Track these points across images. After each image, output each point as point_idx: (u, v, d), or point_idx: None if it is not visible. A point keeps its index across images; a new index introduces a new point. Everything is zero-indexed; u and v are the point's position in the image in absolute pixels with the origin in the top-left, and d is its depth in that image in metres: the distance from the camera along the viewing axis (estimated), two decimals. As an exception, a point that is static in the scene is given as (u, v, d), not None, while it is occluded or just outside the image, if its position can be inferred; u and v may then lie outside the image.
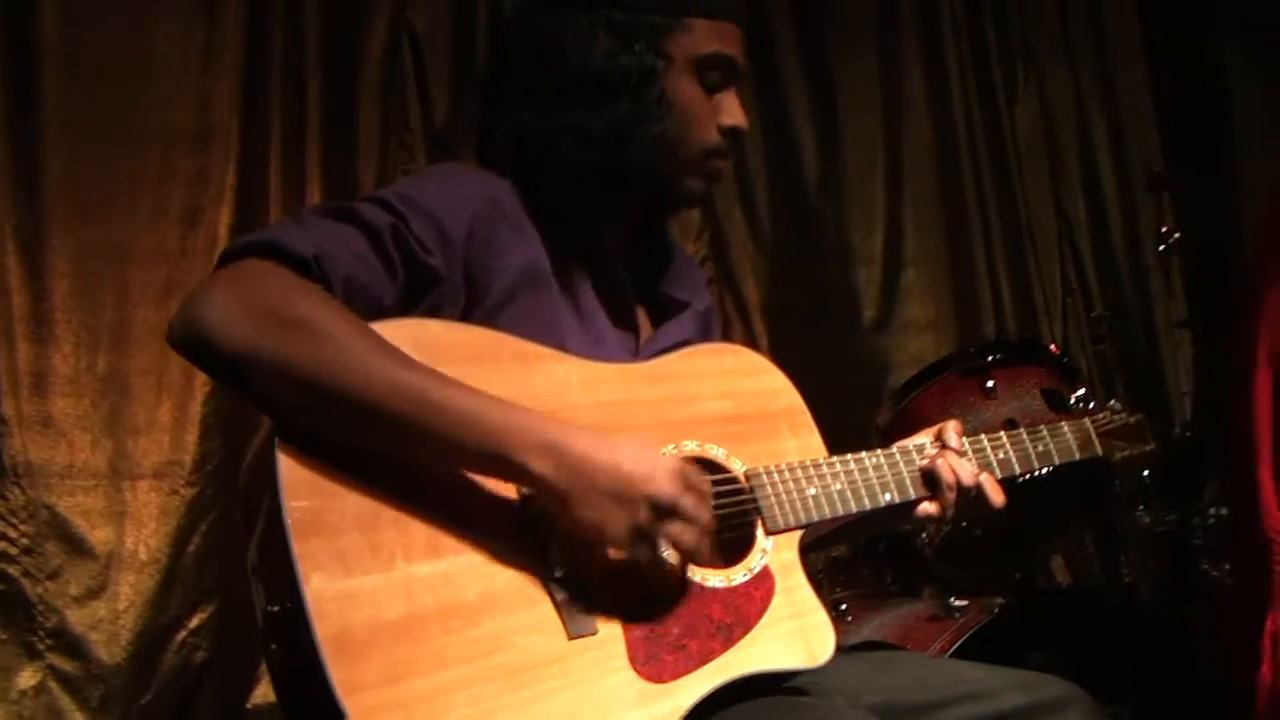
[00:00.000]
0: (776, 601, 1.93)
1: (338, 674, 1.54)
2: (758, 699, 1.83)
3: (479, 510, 1.74)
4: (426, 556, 1.67)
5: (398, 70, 4.53)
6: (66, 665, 3.85)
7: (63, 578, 3.88)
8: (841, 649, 1.96)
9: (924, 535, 3.31)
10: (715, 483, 1.94)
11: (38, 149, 4.04)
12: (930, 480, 2.19)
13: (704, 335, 2.32)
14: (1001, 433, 2.37)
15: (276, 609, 1.64)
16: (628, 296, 2.18)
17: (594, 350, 2.01)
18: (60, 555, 3.89)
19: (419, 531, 1.69)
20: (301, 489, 1.63)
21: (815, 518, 2.04)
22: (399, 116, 4.52)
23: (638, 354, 2.14)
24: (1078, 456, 2.50)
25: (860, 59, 5.19)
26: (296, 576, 1.57)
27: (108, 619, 3.91)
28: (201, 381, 4.04)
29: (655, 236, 2.33)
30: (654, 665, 1.76)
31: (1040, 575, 4.46)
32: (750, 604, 1.90)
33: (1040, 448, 2.43)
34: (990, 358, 3.29)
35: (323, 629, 1.55)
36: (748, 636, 1.87)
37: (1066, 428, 2.52)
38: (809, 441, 2.14)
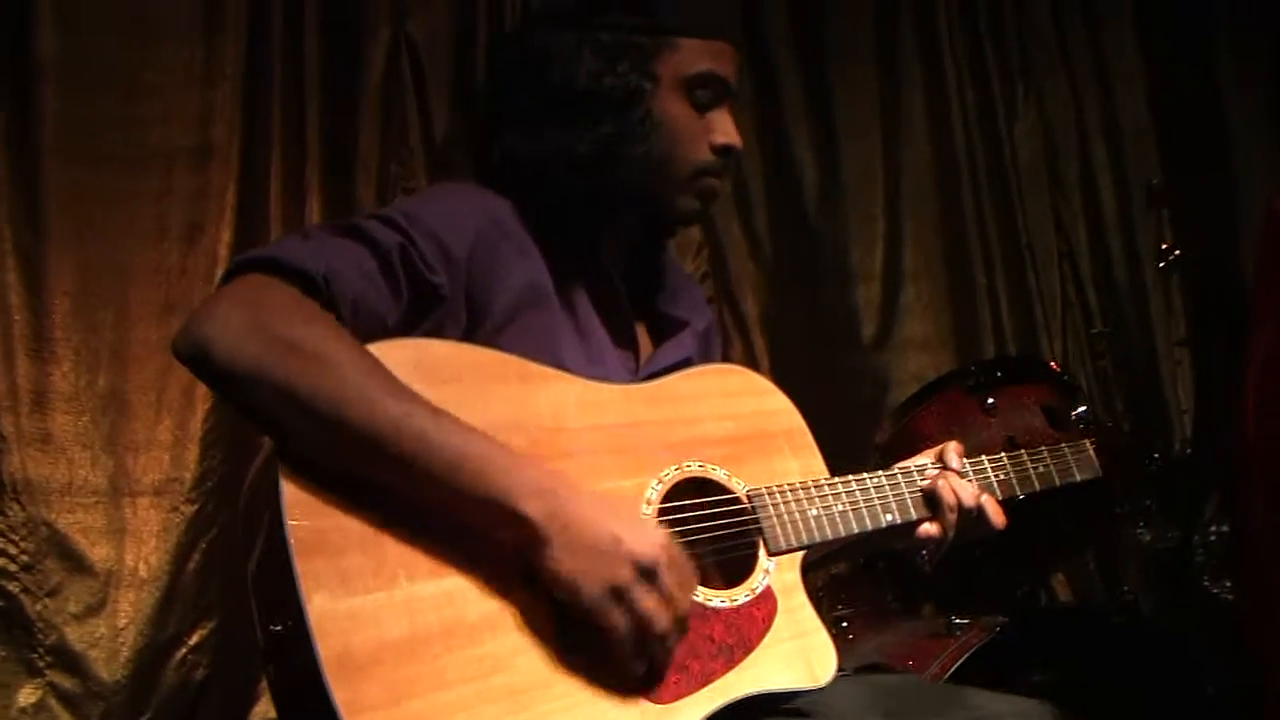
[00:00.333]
0: (778, 622, 1.93)
1: (340, 694, 1.54)
2: (759, 720, 1.83)
3: (482, 530, 1.74)
4: (429, 576, 1.67)
5: (397, 86, 4.52)
6: (66, 682, 3.84)
7: (62, 595, 3.87)
8: (844, 671, 1.96)
9: (924, 553, 3.30)
10: (718, 503, 1.94)
11: (38, 166, 4.03)
12: (931, 501, 2.20)
13: (705, 354, 2.32)
14: (1002, 454, 2.38)
15: (278, 628, 1.63)
16: (628, 315, 2.18)
17: (594, 369, 2.02)
18: (60, 572, 3.87)
19: (422, 551, 1.69)
20: (303, 508, 1.63)
21: (817, 538, 2.04)
22: (399, 132, 4.51)
23: (637, 372, 2.14)
24: (1078, 478, 2.51)
25: (858, 77, 5.18)
26: (299, 596, 1.57)
27: (107, 636, 3.89)
28: (202, 398, 4.03)
29: (654, 255, 2.33)
30: (656, 686, 1.76)
31: (1041, 593, 4.45)
32: (752, 625, 1.90)
33: (1041, 469, 2.44)
34: (991, 375, 3.29)
35: (325, 649, 1.55)
36: (749, 657, 1.87)
37: (1067, 449, 2.52)
38: (810, 462, 2.14)
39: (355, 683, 1.55)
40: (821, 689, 1.91)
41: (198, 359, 1.69)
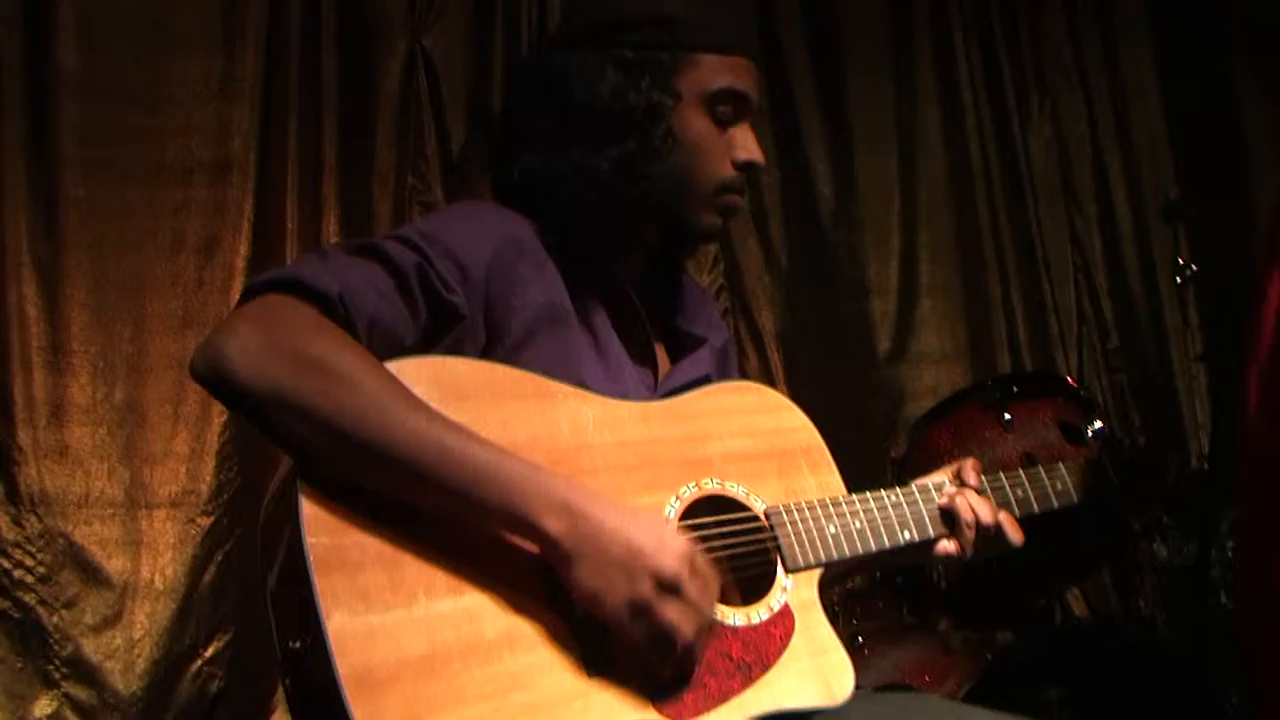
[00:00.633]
0: (796, 640, 1.92)
1: (359, 711, 1.54)
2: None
3: (500, 546, 1.74)
4: (448, 593, 1.67)
5: (414, 99, 4.54)
6: (82, 694, 3.85)
7: (79, 606, 3.89)
8: (861, 688, 1.95)
9: (939, 568, 3.30)
10: (736, 520, 1.94)
11: (56, 179, 4.06)
12: (949, 519, 2.19)
13: (722, 371, 2.32)
14: (1020, 470, 2.37)
15: (297, 645, 1.64)
16: (646, 332, 2.18)
17: (613, 387, 2.01)
18: (76, 584, 3.89)
19: (441, 568, 1.69)
20: (323, 525, 1.63)
21: (835, 556, 2.03)
22: (415, 145, 4.53)
23: (656, 389, 2.14)
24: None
25: (875, 91, 5.19)
26: (318, 613, 1.57)
27: (123, 648, 3.91)
28: (218, 411, 4.04)
29: (672, 272, 2.33)
30: (674, 704, 1.76)
31: (1057, 608, 4.44)
32: (770, 642, 1.90)
33: (1059, 485, 2.43)
34: (1008, 390, 3.28)
35: (344, 666, 1.56)
36: (767, 675, 1.86)
37: (1085, 466, 2.52)
38: (828, 479, 2.14)
39: (374, 700, 1.56)
40: (839, 707, 1.91)
41: (216, 380, 1.70)
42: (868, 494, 2.14)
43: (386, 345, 1.80)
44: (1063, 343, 5.11)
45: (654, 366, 2.17)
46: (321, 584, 1.59)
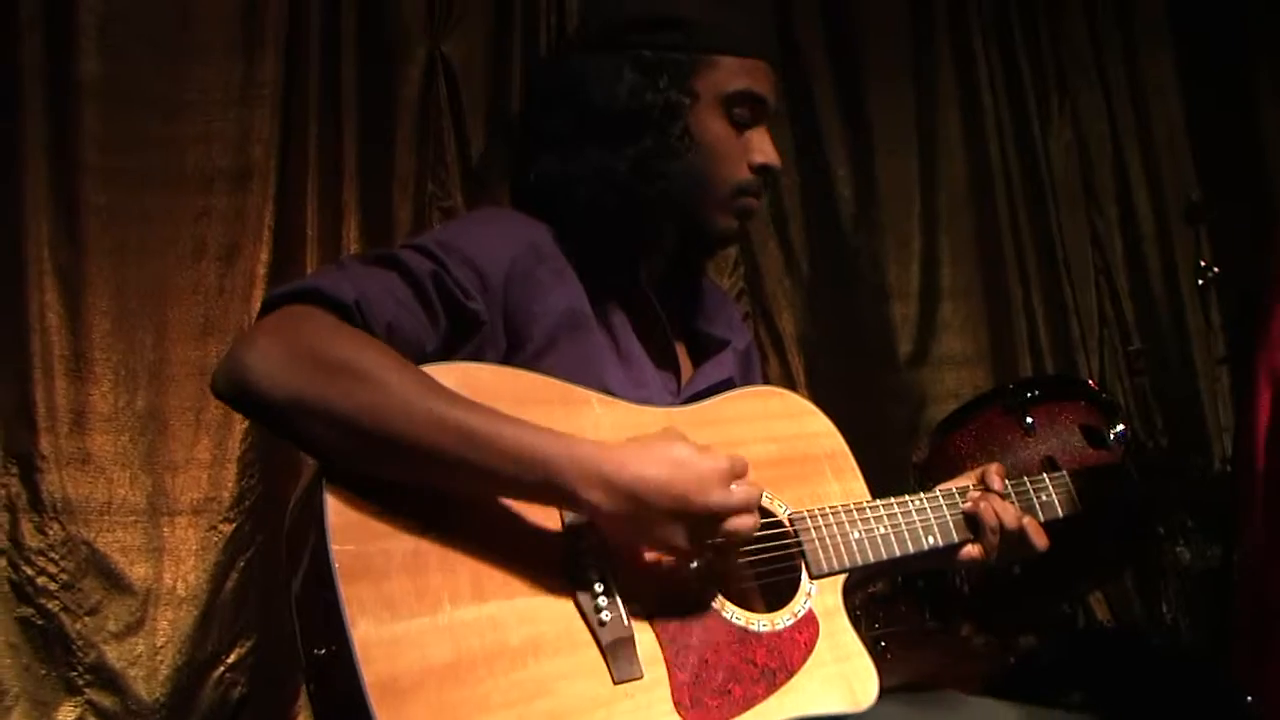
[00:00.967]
0: (820, 646, 1.92)
1: (384, 718, 1.54)
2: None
3: (524, 553, 1.74)
4: (472, 600, 1.67)
5: (433, 105, 4.55)
6: (105, 701, 3.86)
7: (101, 613, 3.90)
8: (883, 690, 1.95)
9: (962, 572, 3.29)
10: (760, 526, 1.93)
11: (78, 186, 4.08)
12: (973, 524, 2.18)
13: (746, 373, 2.32)
14: (1044, 475, 2.36)
15: (322, 652, 1.64)
16: (667, 336, 2.18)
17: (637, 391, 2.01)
18: (99, 591, 3.90)
19: (465, 575, 1.69)
20: (348, 532, 1.63)
21: (859, 562, 2.03)
22: (435, 152, 4.54)
23: (679, 394, 2.14)
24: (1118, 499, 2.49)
25: (894, 94, 5.19)
26: (343, 621, 1.57)
27: (146, 655, 3.92)
28: (240, 418, 4.04)
29: (692, 275, 2.32)
30: (698, 710, 1.75)
31: (1079, 613, 4.42)
32: (794, 648, 1.89)
33: (1082, 490, 2.41)
34: (1029, 394, 3.27)
35: (370, 674, 1.56)
36: (791, 681, 1.86)
37: (1107, 469, 2.51)
38: (852, 485, 2.13)
39: (399, 707, 1.56)
40: (863, 713, 1.90)
41: (239, 394, 1.70)
42: (892, 499, 2.13)
43: (405, 351, 1.80)
44: (1084, 345, 5.10)
45: (676, 370, 2.17)
46: (347, 592, 1.59)
